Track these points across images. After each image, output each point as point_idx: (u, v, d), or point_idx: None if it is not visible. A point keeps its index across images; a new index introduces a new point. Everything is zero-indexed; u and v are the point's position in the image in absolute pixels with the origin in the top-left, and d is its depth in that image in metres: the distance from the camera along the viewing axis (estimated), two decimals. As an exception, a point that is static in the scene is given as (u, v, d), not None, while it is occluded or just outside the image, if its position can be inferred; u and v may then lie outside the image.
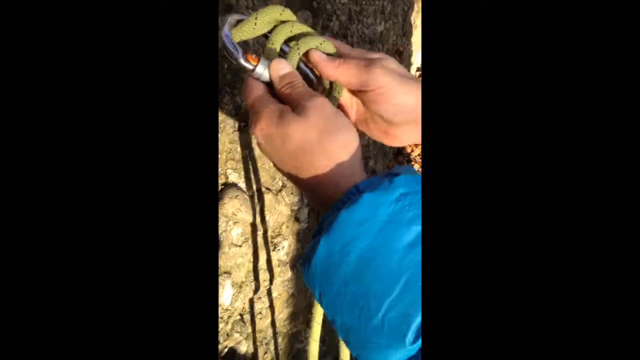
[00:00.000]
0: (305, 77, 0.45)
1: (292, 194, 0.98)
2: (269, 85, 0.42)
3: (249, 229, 0.86)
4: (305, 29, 0.44)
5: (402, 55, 1.58)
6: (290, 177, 0.41)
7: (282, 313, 1.13)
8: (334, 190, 0.38)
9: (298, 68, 0.44)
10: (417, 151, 2.24)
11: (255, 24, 0.41)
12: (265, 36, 0.44)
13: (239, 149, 0.80)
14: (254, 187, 0.85)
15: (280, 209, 0.96)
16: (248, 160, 0.82)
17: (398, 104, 0.42)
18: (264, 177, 0.89)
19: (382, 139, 0.47)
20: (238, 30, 0.41)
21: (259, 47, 0.77)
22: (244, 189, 0.83)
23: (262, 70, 0.41)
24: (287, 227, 1.01)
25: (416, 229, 0.33)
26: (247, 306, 0.93)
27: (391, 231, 0.33)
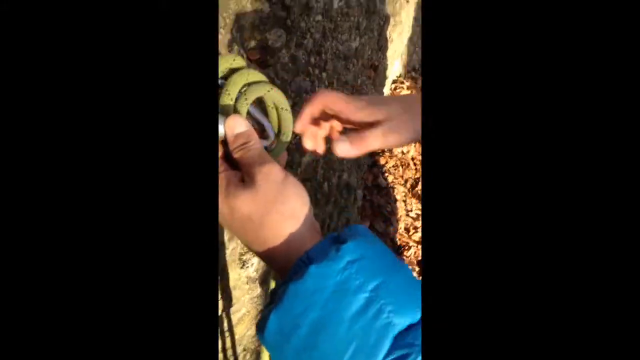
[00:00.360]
0: (256, 124, 0.45)
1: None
2: (224, 142, 0.40)
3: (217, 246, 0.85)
4: (259, 76, 0.43)
5: (377, 70, 1.59)
6: (244, 243, 0.41)
7: (251, 330, 1.12)
8: (284, 261, 0.38)
9: (248, 116, 0.43)
10: (392, 162, 2.26)
11: None
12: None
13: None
14: (223, 205, 0.85)
15: (250, 226, 0.95)
16: (217, 178, 0.81)
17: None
18: (234, 195, 0.88)
19: None
20: None
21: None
22: (213, 207, 0.82)
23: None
24: (257, 243, 1.00)
25: (363, 296, 0.33)
26: (214, 324, 0.92)
27: (338, 301, 0.33)
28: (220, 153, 0.40)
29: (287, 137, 0.45)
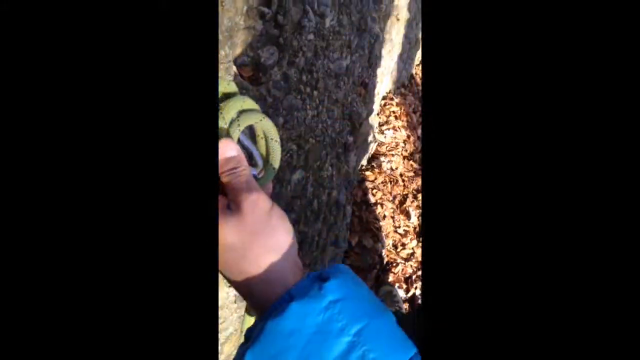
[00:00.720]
0: (244, 150, 0.45)
1: (251, 228, 0.97)
2: None
3: (205, 266, 0.84)
4: (253, 104, 0.43)
5: (367, 87, 1.60)
6: (222, 272, 0.39)
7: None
8: (262, 296, 0.36)
9: (238, 142, 0.43)
10: (380, 178, 2.27)
11: None
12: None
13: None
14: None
15: (239, 244, 0.94)
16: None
17: None
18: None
19: None
20: None
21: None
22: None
23: None
24: (246, 261, 0.99)
25: (345, 340, 0.32)
26: (200, 345, 0.90)
27: (320, 343, 0.32)
28: None
29: (274, 167, 0.45)
